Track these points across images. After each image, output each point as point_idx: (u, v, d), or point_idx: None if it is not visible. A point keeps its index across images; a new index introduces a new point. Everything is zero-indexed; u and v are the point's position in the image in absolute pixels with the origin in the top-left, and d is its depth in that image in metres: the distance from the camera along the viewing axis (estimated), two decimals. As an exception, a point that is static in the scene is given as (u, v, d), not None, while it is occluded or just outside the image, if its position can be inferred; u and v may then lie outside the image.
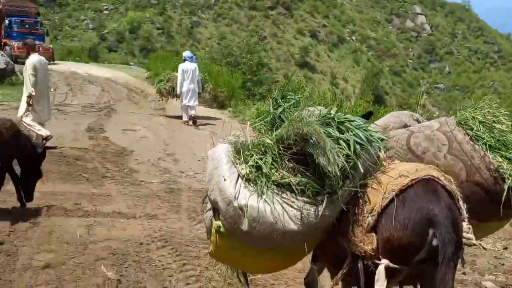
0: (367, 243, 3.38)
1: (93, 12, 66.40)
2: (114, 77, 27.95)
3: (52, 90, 13.54)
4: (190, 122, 15.70)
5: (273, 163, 3.58)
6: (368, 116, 4.33)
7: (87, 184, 8.97)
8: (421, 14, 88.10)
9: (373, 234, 3.38)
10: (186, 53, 16.58)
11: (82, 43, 57.51)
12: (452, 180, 3.61)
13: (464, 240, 3.39)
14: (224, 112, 19.12)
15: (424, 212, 3.27)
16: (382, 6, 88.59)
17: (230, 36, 59.36)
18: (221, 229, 3.65)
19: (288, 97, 4.11)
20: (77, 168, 9.79)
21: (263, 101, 20.47)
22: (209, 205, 3.84)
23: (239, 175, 3.60)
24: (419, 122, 4.55)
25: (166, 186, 9.30)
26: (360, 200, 3.50)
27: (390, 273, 3.33)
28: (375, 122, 4.54)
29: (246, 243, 3.60)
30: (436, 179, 3.45)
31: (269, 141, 3.68)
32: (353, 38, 79.07)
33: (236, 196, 3.51)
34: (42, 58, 10.55)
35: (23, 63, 11.67)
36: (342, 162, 3.41)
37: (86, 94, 20.85)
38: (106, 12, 67.55)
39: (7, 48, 30.51)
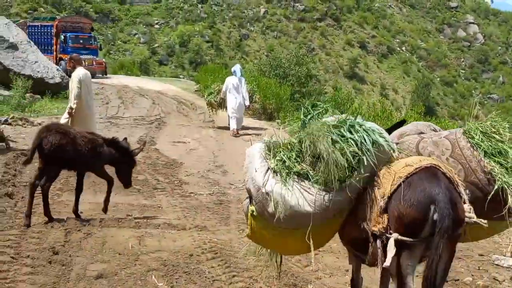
0: (381, 222, 4.00)
1: (144, 26, 67.63)
2: (164, 90, 28.42)
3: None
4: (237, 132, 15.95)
5: (296, 157, 4.33)
6: (401, 123, 5.19)
7: (138, 196, 9.13)
8: (473, 23, 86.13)
9: (385, 215, 4.00)
10: (233, 67, 16.98)
11: (134, 57, 58.73)
12: (452, 170, 4.19)
13: (466, 219, 3.95)
14: (272, 124, 19.09)
15: (427, 192, 3.87)
16: (433, 16, 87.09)
17: (278, 48, 59.38)
18: (254, 213, 4.36)
19: (318, 106, 4.97)
20: (128, 179, 9.93)
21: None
22: (247, 194, 4.52)
23: (268, 167, 4.31)
24: (436, 131, 5.00)
25: (215, 197, 9.37)
26: (375, 189, 4.14)
27: (407, 248, 3.89)
28: (396, 130, 5.07)
29: (273, 223, 4.24)
30: (437, 167, 4.03)
31: (294, 140, 4.45)
32: (403, 48, 78.01)
33: (264, 184, 4.24)
34: (87, 71, 10.76)
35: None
36: (347, 159, 4.11)
37: (137, 107, 21.29)
38: (157, 26, 68.71)
39: (62, 62, 31.37)
